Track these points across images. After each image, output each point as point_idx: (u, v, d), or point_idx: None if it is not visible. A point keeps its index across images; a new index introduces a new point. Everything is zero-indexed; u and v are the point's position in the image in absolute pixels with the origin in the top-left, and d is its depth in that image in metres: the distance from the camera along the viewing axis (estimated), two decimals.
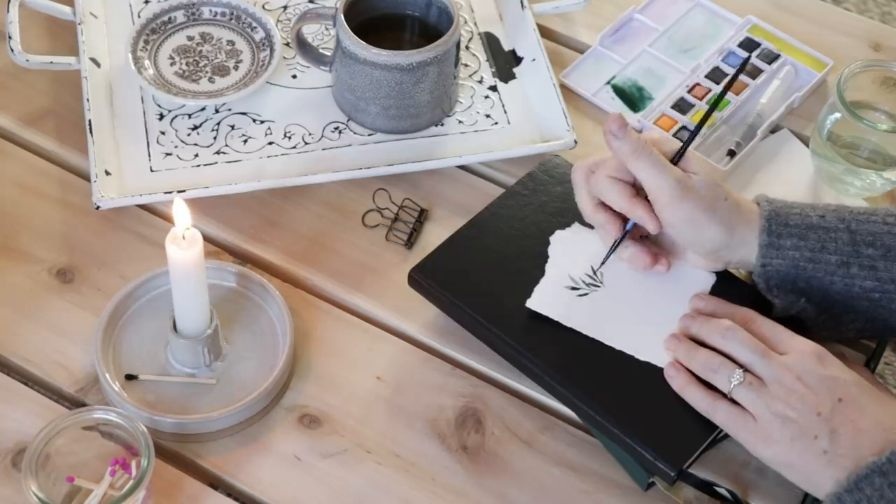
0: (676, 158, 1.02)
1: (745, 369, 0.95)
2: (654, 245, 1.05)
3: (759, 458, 0.94)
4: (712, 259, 1.03)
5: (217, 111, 1.20)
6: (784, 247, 0.99)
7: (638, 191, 1.01)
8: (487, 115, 1.22)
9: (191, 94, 1.20)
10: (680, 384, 0.98)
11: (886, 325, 1.01)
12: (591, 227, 1.08)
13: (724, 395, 0.95)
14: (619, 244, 1.03)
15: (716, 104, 1.07)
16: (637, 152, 0.99)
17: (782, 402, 0.93)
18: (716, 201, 0.99)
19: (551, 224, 1.08)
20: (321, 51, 1.22)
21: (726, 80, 1.11)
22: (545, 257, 1.06)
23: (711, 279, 1.05)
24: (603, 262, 1.05)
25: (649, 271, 1.04)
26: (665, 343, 1.00)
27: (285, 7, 1.30)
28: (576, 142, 1.17)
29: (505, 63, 1.26)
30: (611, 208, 1.03)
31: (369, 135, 1.19)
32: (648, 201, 1.01)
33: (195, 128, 1.19)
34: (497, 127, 1.21)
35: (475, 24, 1.29)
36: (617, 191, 1.01)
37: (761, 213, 1.00)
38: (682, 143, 1.02)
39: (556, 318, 1.02)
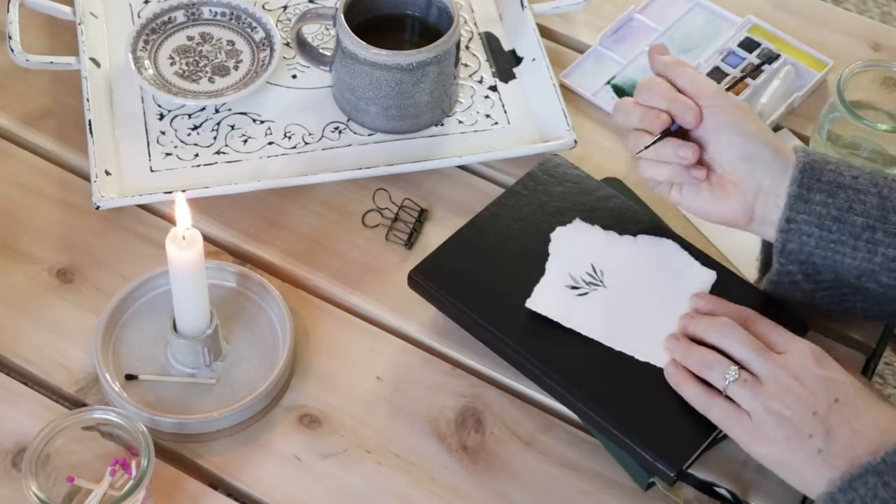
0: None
1: (742, 367, 0.95)
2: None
3: (753, 457, 0.94)
4: (742, 177, 0.99)
5: (217, 111, 1.20)
6: (812, 201, 0.97)
7: None
8: (487, 115, 1.22)
9: (191, 94, 1.20)
10: (677, 381, 0.98)
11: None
12: (591, 223, 1.08)
13: (721, 393, 0.95)
14: (663, 138, 1.00)
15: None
16: (682, 63, 1.02)
17: (778, 400, 0.92)
18: (756, 117, 1.01)
19: (551, 224, 1.08)
20: (321, 51, 1.22)
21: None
22: (545, 257, 1.06)
23: (711, 278, 1.05)
24: (644, 148, 1.01)
25: (686, 176, 1.01)
26: (664, 342, 1.00)
27: (285, 7, 1.30)
28: (576, 141, 1.17)
29: (505, 63, 1.26)
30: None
31: (369, 135, 1.19)
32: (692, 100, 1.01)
33: (195, 128, 1.19)
34: (497, 127, 1.21)
35: (475, 24, 1.29)
36: (661, 86, 1.01)
37: (797, 161, 0.99)
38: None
39: (555, 319, 1.02)
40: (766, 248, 1.05)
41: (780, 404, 0.92)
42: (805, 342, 0.96)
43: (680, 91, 1.01)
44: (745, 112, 1.01)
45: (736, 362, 0.96)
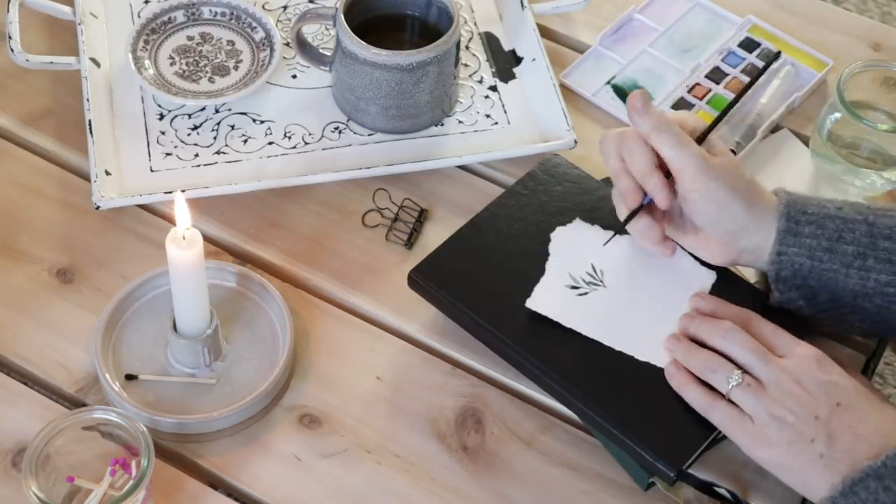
0: (701, 139, 1.02)
1: (744, 371, 0.95)
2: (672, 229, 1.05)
3: (755, 460, 0.94)
4: (728, 242, 1.01)
5: (217, 111, 1.20)
6: (802, 234, 0.98)
7: (661, 165, 1.01)
8: (487, 115, 1.22)
9: (191, 94, 1.20)
10: (678, 383, 0.98)
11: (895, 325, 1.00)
12: (591, 223, 1.08)
13: (723, 396, 0.95)
14: (636, 214, 1.02)
15: (742, 94, 1.08)
16: (660, 128, 0.99)
17: (780, 404, 0.92)
18: (737, 179, 0.99)
19: (551, 223, 1.08)
20: (321, 51, 1.22)
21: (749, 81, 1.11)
22: (545, 257, 1.06)
23: (711, 278, 1.05)
24: (615, 234, 1.05)
25: (654, 252, 1.04)
26: (664, 343, 1.00)
27: (285, 7, 1.30)
28: (576, 141, 1.17)
29: (505, 63, 1.26)
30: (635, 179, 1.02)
31: (369, 135, 1.19)
32: (665, 177, 1.00)
33: (195, 128, 1.19)
34: (497, 127, 1.21)
35: (475, 24, 1.29)
36: (641, 154, 1.00)
37: (780, 201, 1.00)
38: (705, 125, 1.03)
39: (555, 318, 1.02)
40: (763, 274, 1.05)
41: (783, 409, 0.92)
42: (807, 346, 0.96)
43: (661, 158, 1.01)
44: (728, 183, 0.99)
45: (738, 366, 0.96)
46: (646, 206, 1.02)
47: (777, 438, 0.92)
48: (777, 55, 1.10)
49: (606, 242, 1.06)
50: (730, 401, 0.95)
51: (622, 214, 1.04)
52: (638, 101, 0.99)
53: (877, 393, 0.96)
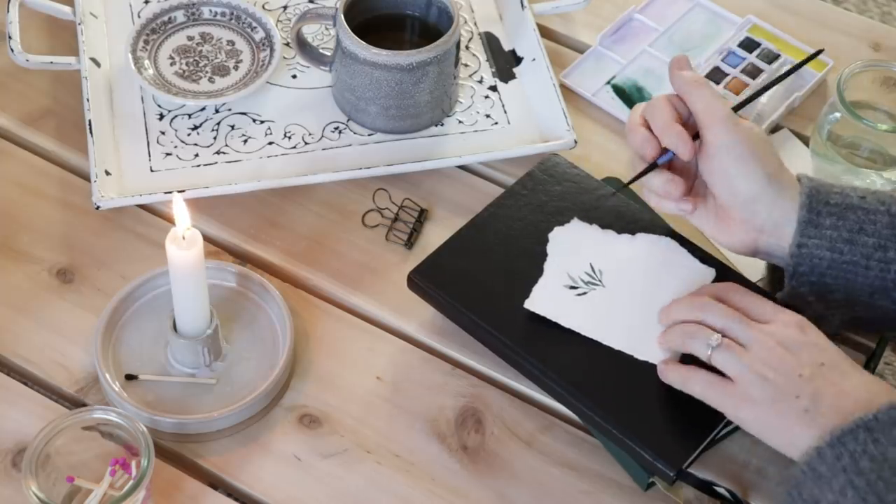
0: (736, 108, 1.01)
1: (724, 335, 0.94)
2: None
3: (739, 424, 0.94)
4: (747, 218, 0.99)
5: (217, 111, 1.20)
6: (823, 225, 0.97)
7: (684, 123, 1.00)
8: (487, 115, 1.22)
9: (191, 94, 1.20)
10: (661, 368, 0.97)
11: None
12: (590, 223, 1.08)
13: (702, 367, 0.94)
14: (651, 169, 1.00)
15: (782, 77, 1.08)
16: (698, 82, 0.99)
17: (763, 362, 0.92)
18: (764, 144, 0.98)
19: (550, 224, 1.08)
20: (321, 51, 1.22)
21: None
22: (544, 257, 1.06)
23: (710, 275, 1.05)
24: (627, 185, 1.03)
25: (676, 211, 1.01)
26: (657, 342, 1.00)
27: (285, 7, 1.30)
28: (576, 141, 1.17)
29: (505, 63, 1.26)
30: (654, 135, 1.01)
31: (369, 135, 1.19)
32: (686, 133, 0.99)
33: (195, 128, 1.19)
34: (497, 127, 1.21)
35: (475, 24, 1.29)
36: (664, 109, 0.99)
37: (802, 189, 0.98)
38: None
39: (554, 319, 1.02)
40: (772, 269, 1.05)
41: (765, 367, 0.92)
42: (790, 312, 0.95)
43: (691, 114, 1.00)
44: (751, 147, 0.98)
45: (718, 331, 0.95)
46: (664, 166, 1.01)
47: (760, 396, 0.91)
48: (818, 53, 1.08)
49: (615, 193, 1.02)
50: (711, 369, 0.94)
51: (636, 169, 1.01)
52: (682, 60, 1.01)
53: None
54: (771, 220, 0.99)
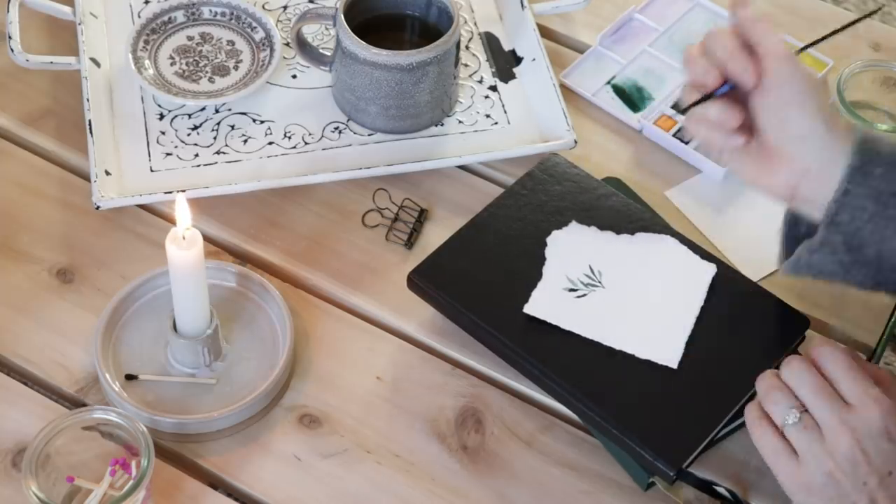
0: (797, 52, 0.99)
1: (806, 409, 0.91)
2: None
3: (791, 498, 0.91)
4: (794, 157, 0.95)
5: (217, 111, 1.20)
6: (872, 175, 0.93)
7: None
8: (487, 115, 1.22)
9: (191, 94, 1.20)
10: (750, 405, 0.94)
11: None
12: (588, 224, 1.08)
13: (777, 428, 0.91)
14: (707, 98, 0.96)
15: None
16: (762, 19, 0.95)
17: (833, 459, 0.88)
18: (822, 87, 0.95)
19: (550, 224, 1.09)
20: (321, 51, 1.22)
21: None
22: (543, 259, 1.06)
23: (711, 271, 1.05)
24: (685, 110, 0.97)
25: (726, 144, 0.98)
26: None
27: (285, 7, 1.30)
28: (576, 141, 1.17)
29: (505, 63, 1.26)
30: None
31: (369, 135, 1.19)
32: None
33: (195, 128, 1.19)
34: (497, 127, 1.21)
35: (475, 24, 1.29)
36: (727, 39, 0.96)
37: (854, 136, 0.95)
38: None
39: (554, 322, 1.02)
40: (791, 228, 1.01)
41: (834, 464, 0.88)
42: (878, 397, 0.90)
43: (751, 49, 0.96)
44: (810, 85, 0.95)
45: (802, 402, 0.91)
46: (720, 97, 0.97)
47: (820, 491, 0.89)
48: (879, 9, 1.04)
49: (685, 110, 0.97)
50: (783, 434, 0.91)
51: (689, 99, 0.97)
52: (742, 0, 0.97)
53: None
54: (819, 161, 0.95)
